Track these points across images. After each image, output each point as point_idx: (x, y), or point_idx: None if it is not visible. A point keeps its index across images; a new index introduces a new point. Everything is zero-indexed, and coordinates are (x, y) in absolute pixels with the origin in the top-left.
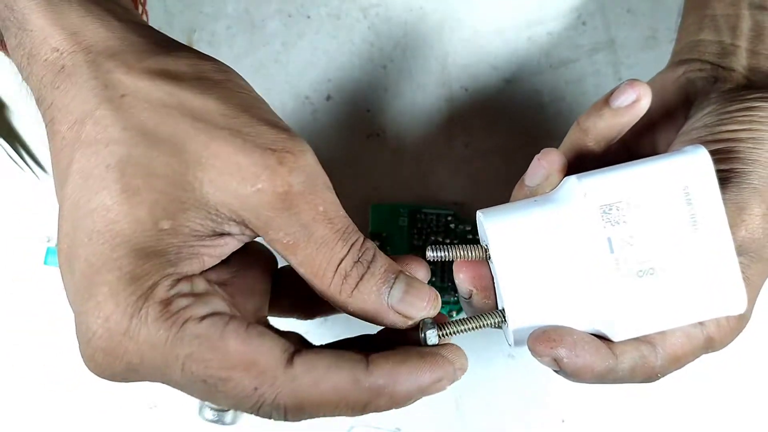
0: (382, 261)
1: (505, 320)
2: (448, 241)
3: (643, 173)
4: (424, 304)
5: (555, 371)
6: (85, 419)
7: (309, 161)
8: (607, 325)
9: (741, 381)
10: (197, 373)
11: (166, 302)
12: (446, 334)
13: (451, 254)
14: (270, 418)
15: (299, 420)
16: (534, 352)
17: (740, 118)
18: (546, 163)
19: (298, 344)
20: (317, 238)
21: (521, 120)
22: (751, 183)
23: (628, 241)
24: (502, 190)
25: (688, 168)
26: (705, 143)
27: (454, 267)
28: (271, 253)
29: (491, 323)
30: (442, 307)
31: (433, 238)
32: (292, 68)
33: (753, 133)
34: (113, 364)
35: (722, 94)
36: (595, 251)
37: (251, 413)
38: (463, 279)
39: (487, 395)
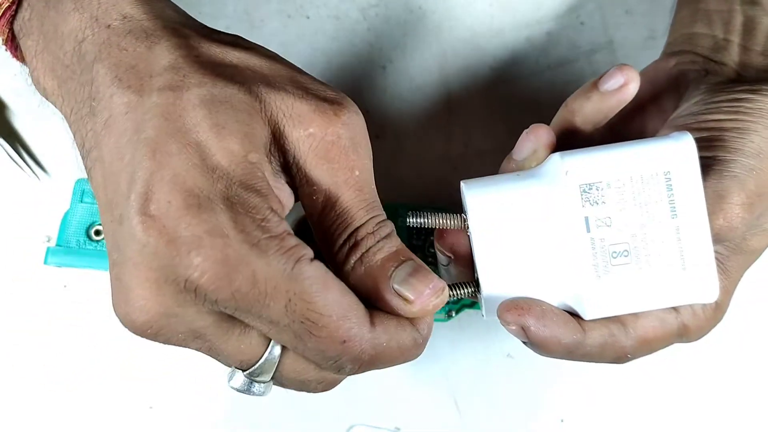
0: (396, 243)
1: (479, 290)
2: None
3: (627, 155)
4: (426, 291)
5: (524, 342)
6: (85, 419)
7: (361, 123)
8: (577, 303)
9: (739, 381)
10: (299, 311)
11: (281, 237)
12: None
13: (430, 221)
14: (338, 371)
15: (364, 372)
16: (502, 320)
17: (726, 108)
18: (534, 137)
19: None
20: (343, 201)
21: (520, 120)
22: (732, 171)
23: (605, 221)
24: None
25: (672, 153)
26: (690, 130)
27: (435, 234)
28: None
29: (466, 292)
30: None
31: (432, 238)
32: None
33: (738, 123)
34: (220, 291)
35: (711, 86)
36: (572, 229)
37: (323, 363)
38: (441, 245)
39: (487, 394)
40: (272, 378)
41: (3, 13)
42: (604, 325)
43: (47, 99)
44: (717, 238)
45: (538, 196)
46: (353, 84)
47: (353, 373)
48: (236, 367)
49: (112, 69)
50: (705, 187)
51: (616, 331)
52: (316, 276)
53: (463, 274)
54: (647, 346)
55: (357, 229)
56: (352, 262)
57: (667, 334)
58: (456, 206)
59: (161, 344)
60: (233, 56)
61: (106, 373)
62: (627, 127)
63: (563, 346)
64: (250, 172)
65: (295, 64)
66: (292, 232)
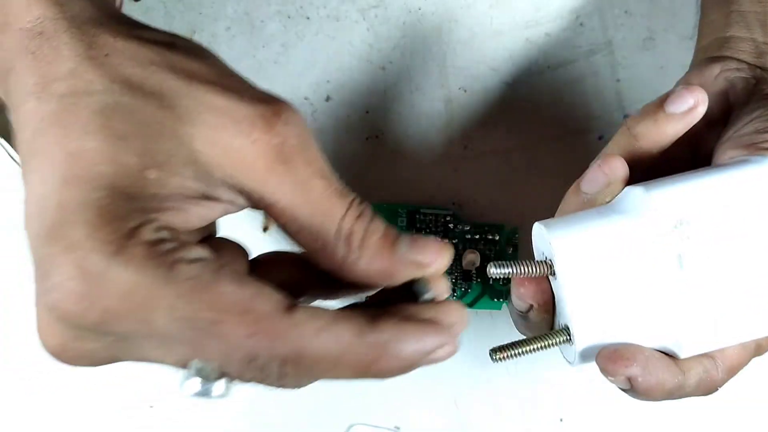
0: (381, 219)
1: (570, 338)
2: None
3: (716, 184)
4: (436, 247)
5: (623, 390)
6: (86, 418)
7: (301, 119)
8: (674, 342)
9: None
10: (186, 315)
11: (153, 243)
12: (506, 357)
13: (514, 270)
14: (264, 379)
15: (299, 378)
16: (606, 372)
17: None
18: (608, 170)
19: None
20: (315, 196)
21: (519, 121)
22: None
23: (699, 257)
24: (500, 191)
25: (756, 178)
26: (761, 150)
27: (515, 281)
28: (242, 246)
29: (556, 341)
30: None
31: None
32: (291, 69)
33: None
34: (86, 312)
35: (764, 93)
36: (665, 267)
37: (244, 370)
38: (524, 294)
39: (486, 394)
40: (222, 375)
41: None
42: (699, 362)
43: None
44: None
45: (626, 234)
46: (353, 85)
47: (288, 377)
48: (175, 367)
49: (22, 75)
50: None
51: (709, 366)
52: (198, 275)
53: (544, 321)
54: (733, 373)
55: (344, 216)
56: (356, 251)
57: (748, 356)
58: (455, 206)
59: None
60: (152, 52)
61: (106, 372)
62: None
63: (666, 391)
64: (141, 186)
65: (295, 65)
66: (187, 241)
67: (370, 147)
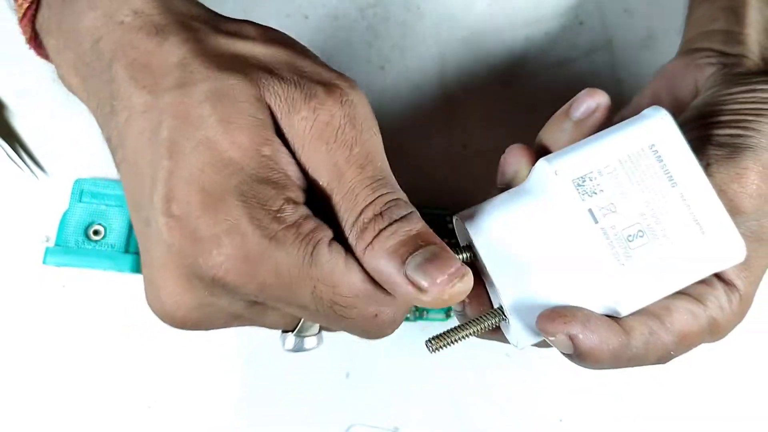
0: (415, 225)
1: (505, 317)
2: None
3: (609, 141)
4: (442, 278)
5: (566, 354)
6: (84, 419)
7: (356, 99)
8: (610, 300)
9: (737, 379)
10: (326, 297)
11: (297, 224)
12: (442, 346)
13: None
14: (378, 335)
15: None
16: (546, 332)
17: (743, 99)
18: (512, 158)
19: None
20: (345, 182)
21: (519, 120)
22: (748, 144)
23: (610, 208)
24: (499, 191)
25: (652, 127)
26: (708, 116)
27: None
28: None
29: (491, 324)
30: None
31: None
32: None
33: (755, 110)
34: (247, 285)
35: (728, 77)
36: (580, 226)
37: (363, 336)
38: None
39: (485, 394)
40: (321, 329)
41: (24, 13)
42: (643, 322)
43: (74, 95)
44: (733, 208)
45: (537, 206)
46: None
47: (393, 330)
48: (282, 331)
49: (127, 68)
50: (721, 158)
51: (655, 327)
52: (335, 259)
53: (481, 313)
54: (686, 341)
55: (363, 210)
56: (363, 247)
57: (700, 327)
58: (454, 206)
59: (165, 341)
60: (238, 46)
61: (104, 372)
62: None
63: (610, 351)
64: (263, 164)
65: None
66: (310, 214)
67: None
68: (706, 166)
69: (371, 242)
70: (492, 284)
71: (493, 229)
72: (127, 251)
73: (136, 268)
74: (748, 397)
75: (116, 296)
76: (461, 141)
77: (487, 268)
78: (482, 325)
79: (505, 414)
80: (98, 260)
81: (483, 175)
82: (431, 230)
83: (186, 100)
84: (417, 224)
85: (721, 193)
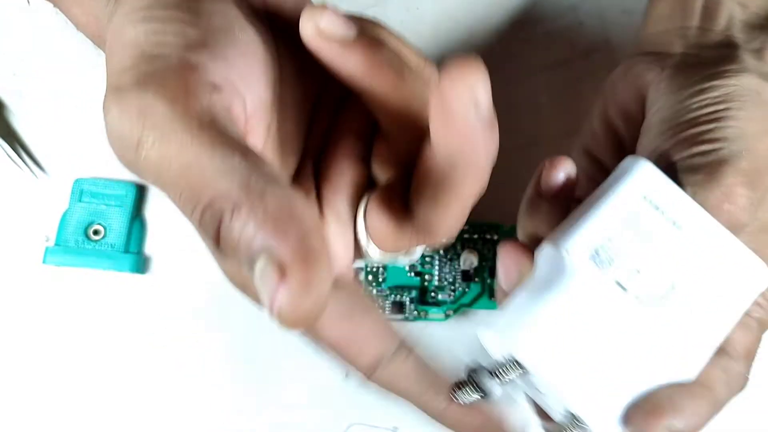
0: (235, 229)
1: (578, 424)
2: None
3: (604, 207)
4: (266, 301)
5: None
6: (84, 418)
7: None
8: (677, 367)
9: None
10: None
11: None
12: None
13: (487, 390)
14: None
15: None
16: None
17: (695, 106)
18: (511, 260)
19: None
20: (172, 198)
21: (518, 121)
22: (721, 158)
23: (633, 271)
24: (498, 191)
25: (638, 179)
26: (670, 140)
27: (502, 261)
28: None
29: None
30: (438, 306)
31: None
32: None
33: (711, 116)
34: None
35: (670, 83)
36: (611, 300)
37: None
38: (511, 264)
39: None
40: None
41: None
42: (714, 367)
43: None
44: (732, 225)
45: (564, 296)
46: None
47: None
48: None
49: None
50: (701, 183)
51: (726, 364)
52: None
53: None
54: (752, 356)
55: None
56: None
57: (755, 336)
58: None
59: (165, 341)
60: None
61: (104, 372)
62: (607, 151)
63: (707, 419)
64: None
65: None
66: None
67: None
68: (693, 196)
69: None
70: (550, 395)
71: (533, 337)
72: (127, 251)
73: (136, 268)
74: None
75: (116, 296)
76: None
77: (548, 381)
78: None
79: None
80: (98, 260)
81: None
82: (263, 207)
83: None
84: (239, 221)
85: (717, 215)
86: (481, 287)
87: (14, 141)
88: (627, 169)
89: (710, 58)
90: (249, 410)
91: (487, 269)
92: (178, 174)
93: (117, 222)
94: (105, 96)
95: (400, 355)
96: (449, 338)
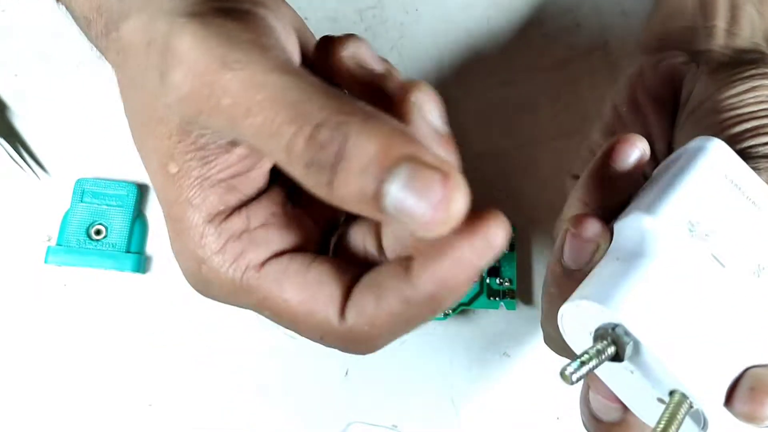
0: (367, 138)
1: (689, 403)
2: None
3: (687, 183)
4: (424, 209)
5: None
6: (85, 417)
7: (186, 39)
8: None
9: None
10: (270, 316)
11: (222, 251)
12: None
13: (593, 363)
14: (346, 351)
15: (378, 349)
16: (752, 417)
17: (751, 100)
18: (592, 235)
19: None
20: (253, 131)
21: (516, 122)
22: None
23: (728, 246)
24: (497, 192)
25: (717, 158)
26: (725, 128)
27: (594, 391)
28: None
29: (682, 418)
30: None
31: None
32: None
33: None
34: (209, 292)
35: (715, 78)
36: (711, 273)
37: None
38: (606, 399)
39: (483, 393)
40: None
41: None
42: None
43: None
44: None
45: (663, 267)
46: None
47: (368, 353)
48: None
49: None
50: None
51: None
52: (267, 286)
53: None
54: None
55: (289, 163)
56: (324, 189)
57: None
58: None
59: (166, 340)
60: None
61: (105, 371)
62: (633, 130)
63: None
64: (170, 184)
65: None
66: (238, 230)
67: None
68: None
69: (331, 183)
70: (655, 374)
71: (640, 305)
72: (128, 251)
73: (138, 268)
74: None
75: (118, 295)
76: (458, 142)
77: (656, 357)
78: (677, 422)
79: (502, 412)
80: (100, 259)
81: (480, 176)
82: (382, 134)
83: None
84: (363, 149)
85: None
86: (479, 286)
87: (16, 141)
88: (702, 148)
89: (748, 60)
90: (249, 409)
91: (486, 269)
92: (271, 95)
93: (118, 222)
94: (172, 22)
95: None
96: (448, 337)
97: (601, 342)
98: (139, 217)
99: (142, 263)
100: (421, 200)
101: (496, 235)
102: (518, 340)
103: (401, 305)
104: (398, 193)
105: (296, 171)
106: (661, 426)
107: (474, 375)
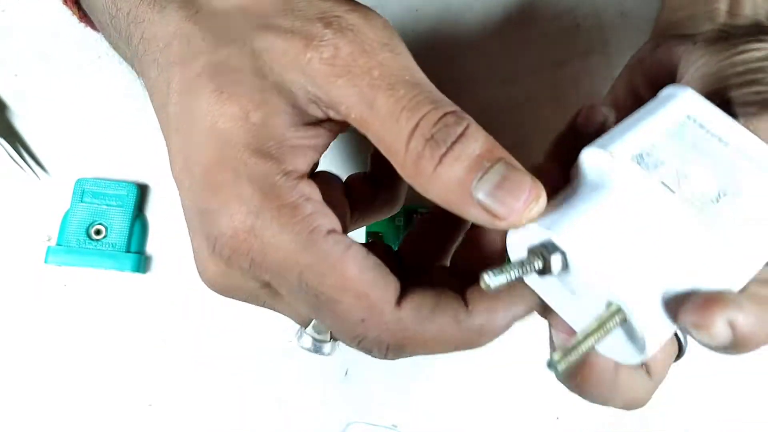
0: (474, 142)
1: (624, 318)
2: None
3: (647, 121)
4: (518, 204)
5: (716, 348)
6: (85, 417)
7: (359, 21)
8: (722, 273)
9: (735, 377)
10: (311, 285)
11: (293, 206)
12: (570, 362)
13: (513, 273)
14: (369, 353)
15: (398, 358)
16: (701, 325)
17: (739, 60)
18: (552, 176)
19: (397, 273)
20: (379, 109)
21: (516, 121)
22: None
23: (680, 175)
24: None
25: (682, 102)
26: (712, 84)
27: (554, 326)
28: (337, 178)
29: (612, 325)
30: None
31: None
32: None
33: (763, 68)
34: (239, 260)
35: (710, 49)
36: (658, 199)
37: (350, 343)
38: (559, 329)
39: (483, 392)
40: (332, 338)
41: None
42: (762, 285)
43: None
44: None
45: (610, 196)
46: None
47: (388, 358)
48: (299, 325)
49: (141, 43)
50: (754, 114)
51: None
52: (330, 250)
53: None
54: None
55: (410, 137)
56: (426, 175)
57: None
58: None
59: (166, 340)
60: (228, 3)
61: (105, 371)
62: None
63: (766, 331)
64: (254, 134)
65: None
66: (313, 194)
67: (368, 147)
68: (746, 126)
69: (434, 169)
70: (589, 291)
71: (578, 230)
72: (128, 251)
73: (137, 268)
74: (749, 397)
75: (117, 295)
76: None
77: (586, 269)
78: (604, 330)
79: (501, 411)
80: (100, 259)
81: None
82: (492, 139)
83: (186, 74)
84: (477, 139)
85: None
86: None
87: (16, 141)
88: (671, 95)
89: (744, 32)
90: (249, 409)
91: None
92: (417, 80)
93: (118, 222)
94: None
95: None
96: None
97: (530, 256)
98: (139, 217)
99: (142, 263)
100: (510, 194)
101: (531, 309)
102: (518, 340)
103: (452, 322)
104: (491, 184)
105: (414, 143)
106: (591, 330)
107: (473, 374)
